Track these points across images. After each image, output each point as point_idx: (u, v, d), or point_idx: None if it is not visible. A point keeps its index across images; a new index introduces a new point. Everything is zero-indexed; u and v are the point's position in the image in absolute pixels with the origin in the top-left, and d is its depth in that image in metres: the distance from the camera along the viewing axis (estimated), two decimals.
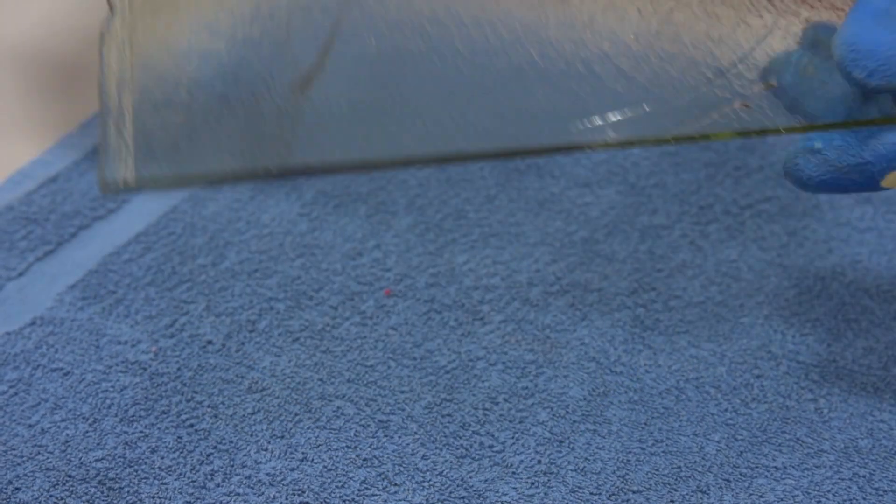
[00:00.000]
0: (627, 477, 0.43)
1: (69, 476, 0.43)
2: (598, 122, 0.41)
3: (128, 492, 0.42)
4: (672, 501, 0.43)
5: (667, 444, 0.44)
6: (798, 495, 0.43)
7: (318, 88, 0.41)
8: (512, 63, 0.43)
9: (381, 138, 0.40)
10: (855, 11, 0.42)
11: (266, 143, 0.39)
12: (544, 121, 0.41)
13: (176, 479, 0.43)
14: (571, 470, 0.44)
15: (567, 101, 0.42)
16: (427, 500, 0.43)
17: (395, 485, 0.43)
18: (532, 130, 0.41)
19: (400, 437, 0.44)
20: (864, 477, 0.43)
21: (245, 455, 0.44)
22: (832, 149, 0.42)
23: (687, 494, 0.43)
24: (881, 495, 0.43)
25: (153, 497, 0.42)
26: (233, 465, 0.43)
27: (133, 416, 0.45)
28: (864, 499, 0.43)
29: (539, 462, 0.44)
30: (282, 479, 0.43)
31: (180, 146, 0.39)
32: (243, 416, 0.45)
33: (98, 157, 0.38)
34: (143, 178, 0.37)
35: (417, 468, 0.43)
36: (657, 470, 0.44)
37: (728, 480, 0.43)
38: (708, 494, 0.43)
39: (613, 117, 0.41)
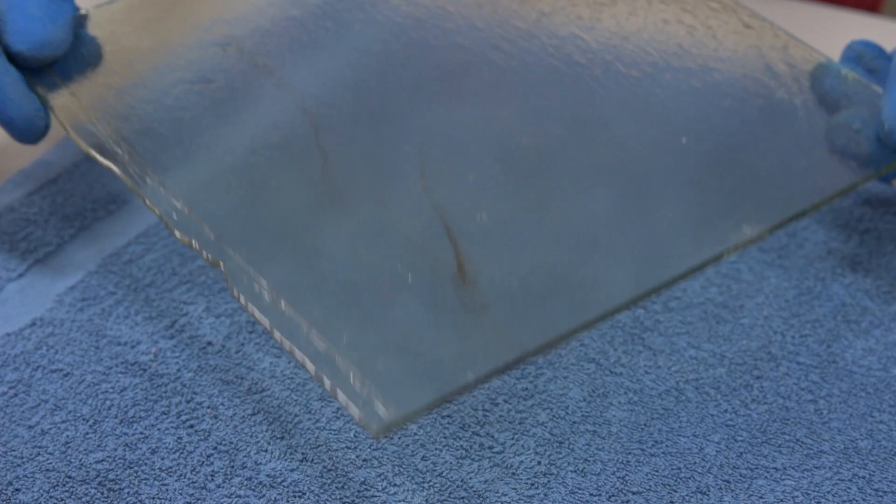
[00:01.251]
0: (627, 478, 0.43)
1: (69, 477, 0.43)
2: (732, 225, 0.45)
3: (128, 493, 0.43)
4: (672, 502, 0.43)
5: (666, 446, 0.44)
6: (798, 496, 0.43)
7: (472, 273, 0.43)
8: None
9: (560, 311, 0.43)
10: None
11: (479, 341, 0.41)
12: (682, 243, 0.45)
13: (176, 481, 0.43)
14: (571, 471, 0.44)
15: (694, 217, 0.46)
16: (427, 500, 0.43)
17: (395, 485, 0.43)
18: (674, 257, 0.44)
19: (400, 438, 0.44)
20: (863, 478, 0.43)
21: (245, 456, 0.44)
22: (865, 130, 0.47)
23: (687, 495, 0.43)
24: (881, 496, 0.43)
25: (153, 498, 0.42)
26: (233, 467, 0.43)
27: (133, 417, 0.45)
28: (864, 500, 0.43)
29: (539, 463, 0.44)
30: (282, 481, 0.43)
31: (406, 374, 0.40)
32: (243, 417, 0.45)
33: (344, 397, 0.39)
34: (406, 413, 0.38)
35: (417, 469, 0.43)
36: (657, 471, 0.44)
37: (728, 481, 0.43)
38: (708, 495, 0.43)
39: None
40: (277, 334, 0.41)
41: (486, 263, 0.44)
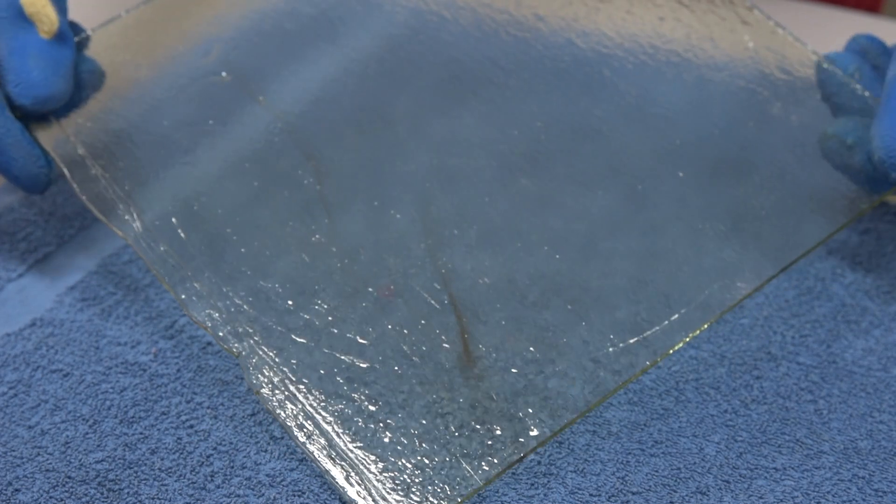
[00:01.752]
0: (627, 478, 0.43)
1: (69, 477, 0.43)
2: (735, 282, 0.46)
3: (128, 493, 0.43)
4: (672, 502, 0.43)
5: (666, 446, 0.44)
6: (798, 496, 0.43)
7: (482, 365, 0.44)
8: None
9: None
10: (891, 109, 0.45)
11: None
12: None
13: (176, 481, 0.43)
14: (571, 471, 0.44)
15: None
16: None
17: None
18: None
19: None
20: (863, 478, 0.43)
21: (245, 456, 0.44)
22: (859, 147, 0.47)
23: (686, 496, 0.43)
24: (881, 496, 0.43)
25: (153, 498, 0.42)
26: (233, 467, 0.43)
27: (133, 417, 0.45)
28: (864, 500, 0.43)
29: (539, 463, 0.44)
30: (281, 480, 0.43)
31: (420, 482, 0.42)
32: (243, 417, 0.45)
33: None
34: None
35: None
36: (657, 471, 0.44)
37: (728, 481, 0.43)
38: (707, 496, 0.43)
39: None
40: (298, 435, 0.43)
41: (490, 338, 0.45)
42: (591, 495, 0.43)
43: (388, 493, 0.41)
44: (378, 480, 0.41)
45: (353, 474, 0.41)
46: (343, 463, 0.41)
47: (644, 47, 0.53)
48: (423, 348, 0.44)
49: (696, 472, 0.44)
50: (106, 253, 0.50)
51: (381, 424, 0.42)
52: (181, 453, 0.44)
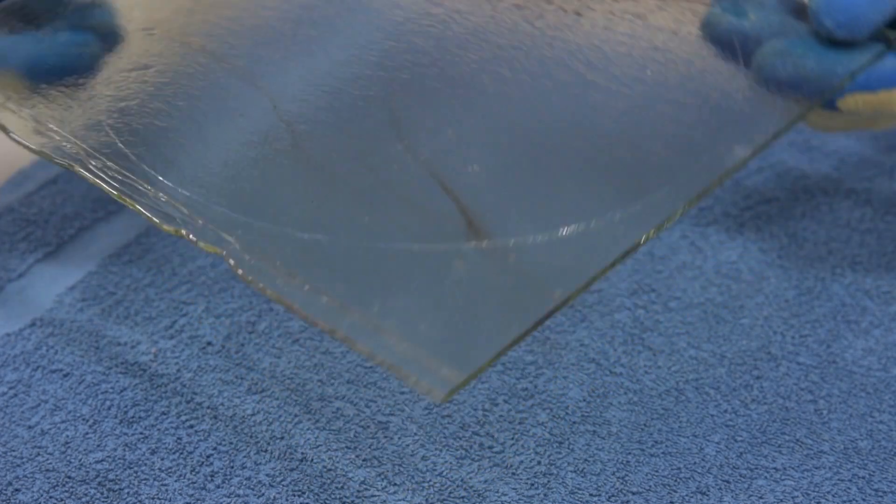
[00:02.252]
0: (627, 478, 0.43)
1: (69, 477, 0.43)
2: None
3: (128, 493, 0.43)
4: (672, 502, 0.43)
5: (666, 446, 0.44)
6: (798, 496, 0.43)
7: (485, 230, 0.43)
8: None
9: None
10: None
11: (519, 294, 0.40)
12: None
13: (176, 481, 0.43)
14: (571, 471, 0.44)
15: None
16: (427, 500, 0.43)
17: (395, 485, 0.43)
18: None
19: (400, 438, 0.44)
20: (863, 478, 0.43)
21: (245, 456, 0.44)
22: (811, 51, 0.44)
23: (686, 496, 0.43)
24: (881, 496, 0.43)
25: (153, 498, 0.42)
26: (233, 467, 0.43)
27: (133, 417, 0.45)
28: (864, 500, 0.43)
29: (539, 463, 0.44)
30: (282, 480, 0.43)
31: (453, 335, 0.39)
32: (243, 417, 0.45)
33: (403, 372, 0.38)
34: (468, 374, 0.37)
35: (417, 469, 0.43)
36: (657, 471, 0.44)
37: (728, 481, 0.43)
38: (707, 496, 0.43)
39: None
40: (309, 314, 0.40)
41: (493, 214, 0.43)
42: (591, 495, 0.43)
43: (416, 357, 0.38)
44: (398, 345, 0.39)
45: (375, 345, 0.38)
46: (363, 332, 0.39)
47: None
48: (423, 226, 0.43)
49: (696, 472, 0.44)
50: (106, 253, 0.50)
51: (394, 295, 0.40)
52: (181, 453, 0.44)
